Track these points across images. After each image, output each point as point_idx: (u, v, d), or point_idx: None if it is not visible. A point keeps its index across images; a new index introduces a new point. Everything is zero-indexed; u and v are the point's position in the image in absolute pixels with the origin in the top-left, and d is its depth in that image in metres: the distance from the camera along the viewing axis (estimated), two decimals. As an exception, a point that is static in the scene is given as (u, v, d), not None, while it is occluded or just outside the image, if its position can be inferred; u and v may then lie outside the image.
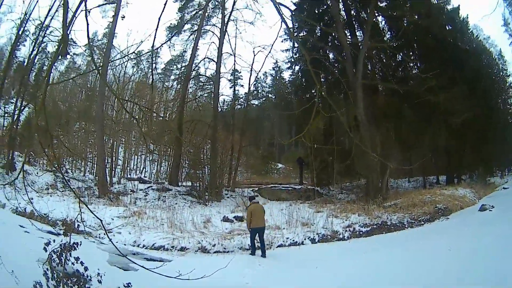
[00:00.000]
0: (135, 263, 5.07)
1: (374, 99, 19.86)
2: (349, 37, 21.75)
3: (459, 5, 22.20)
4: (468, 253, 8.13)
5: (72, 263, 4.99)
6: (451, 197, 15.75)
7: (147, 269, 4.53)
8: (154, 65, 22.10)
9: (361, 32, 21.92)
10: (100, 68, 13.16)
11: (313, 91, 22.86)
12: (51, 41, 20.74)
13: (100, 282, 5.05)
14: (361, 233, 12.74)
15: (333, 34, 21.80)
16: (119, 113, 25.16)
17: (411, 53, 21.19)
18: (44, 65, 22.67)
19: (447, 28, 21.11)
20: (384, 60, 21.85)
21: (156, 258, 7.72)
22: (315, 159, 22.01)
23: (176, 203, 18.02)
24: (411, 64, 21.82)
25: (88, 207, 5.03)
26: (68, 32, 4.84)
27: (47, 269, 4.82)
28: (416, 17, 20.02)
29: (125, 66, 27.07)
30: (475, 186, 19.01)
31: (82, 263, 5.02)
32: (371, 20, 19.76)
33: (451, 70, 18.57)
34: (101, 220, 4.67)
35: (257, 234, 10.50)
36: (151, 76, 28.97)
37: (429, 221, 13.57)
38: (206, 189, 20.34)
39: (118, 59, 21.67)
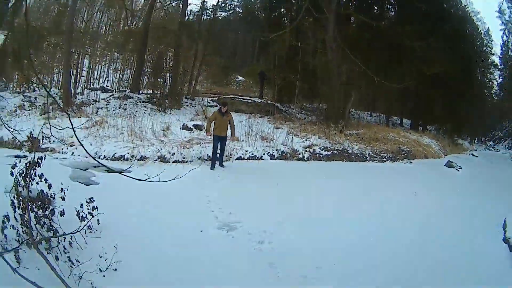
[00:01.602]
0: (107, 167, 5.53)
1: (346, 28, 19.09)
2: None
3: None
4: (432, 201, 8.81)
5: (37, 182, 5.10)
6: (416, 143, 15.92)
7: (117, 172, 5.40)
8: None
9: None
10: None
11: (282, 10, 22.44)
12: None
13: (63, 199, 5.17)
14: (321, 156, 12.98)
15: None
16: (88, 23, 24.23)
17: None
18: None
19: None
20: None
21: (116, 169, 7.67)
22: (278, 75, 22.02)
23: (136, 111, 18.07)
24: (389, 6, 21.17)
25: (49, 120, 5.30)
26: None
27: (14, 197, 4.86)
28: None
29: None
30: (442, 141, 19.43)
31: (46, 180, 5.15)
32: None
33: (431, 24, 18.25)
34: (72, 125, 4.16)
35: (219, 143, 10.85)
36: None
37: (392, 160, 13.88)
38: (166, 96, 20.25)
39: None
